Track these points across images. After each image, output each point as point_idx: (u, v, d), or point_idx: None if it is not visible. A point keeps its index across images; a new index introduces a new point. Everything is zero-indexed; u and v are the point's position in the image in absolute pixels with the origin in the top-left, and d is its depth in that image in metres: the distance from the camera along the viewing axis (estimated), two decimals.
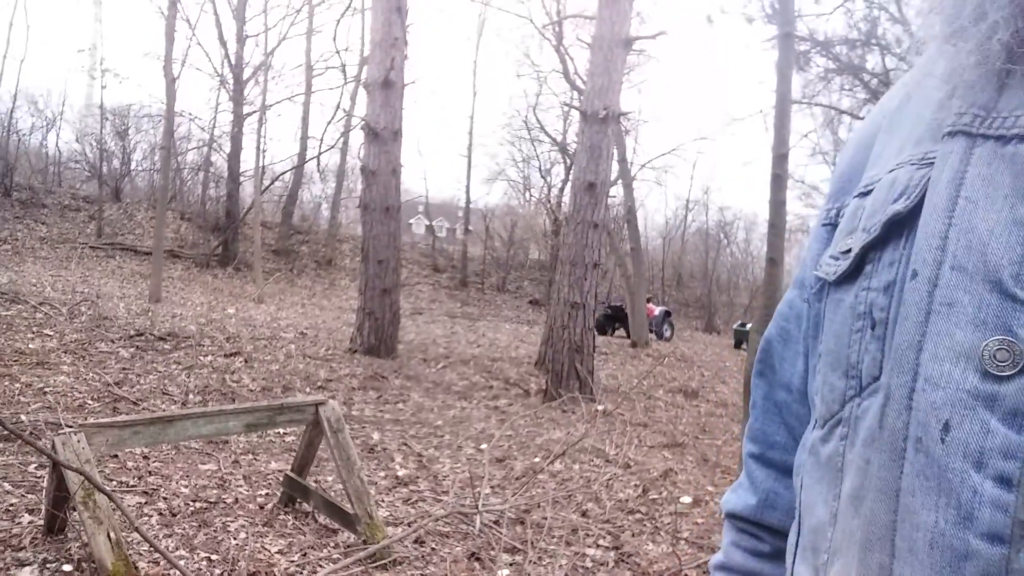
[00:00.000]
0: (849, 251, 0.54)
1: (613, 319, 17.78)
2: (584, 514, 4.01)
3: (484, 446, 5.17)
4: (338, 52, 19.39)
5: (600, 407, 6.82)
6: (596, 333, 8.45)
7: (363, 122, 9.20)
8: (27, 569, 2.76)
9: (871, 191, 0.55)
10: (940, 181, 0.47)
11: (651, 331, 16.33)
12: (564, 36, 16.59)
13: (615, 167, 13.28)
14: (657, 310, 17.71)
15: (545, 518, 3.78)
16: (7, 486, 3.49)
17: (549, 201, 22.97)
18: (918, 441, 0.43)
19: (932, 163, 0.49)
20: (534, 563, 3.30)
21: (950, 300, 0.44)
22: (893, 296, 0.49)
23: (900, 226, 0.50)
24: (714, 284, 28.10)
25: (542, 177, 24.61)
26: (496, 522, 3.67)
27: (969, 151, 0.46)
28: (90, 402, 5.22)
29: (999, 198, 0.43)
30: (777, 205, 5.18)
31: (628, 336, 15.63)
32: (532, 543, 3.48)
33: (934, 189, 0.47)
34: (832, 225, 0.61)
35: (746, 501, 0.72)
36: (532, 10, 21.25)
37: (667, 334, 17.83)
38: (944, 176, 0.46)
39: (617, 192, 16.92)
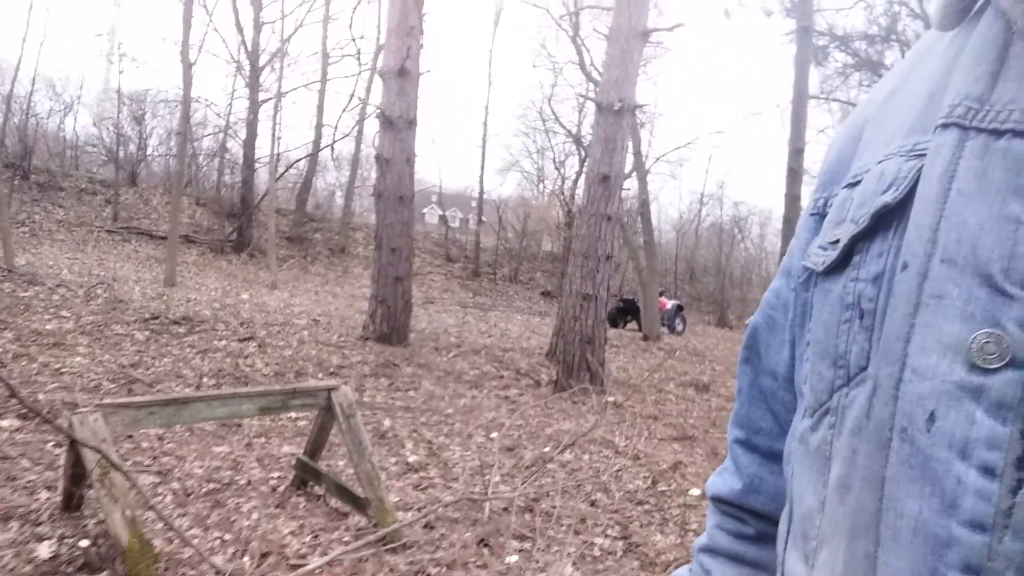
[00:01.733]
0: (837, 242, 0.54)
1: (625, 312, 17.76)
2: (593, 504, 4.03)
3: (494, 435, 5.20)
4: (354, 40, 19.49)
5: (610, 399, 6.83)
6: (608, 326, 8.45)
7: (378, 110, 9.22)
8: (45, 544, 2.81)
9: (860, 182, 0.55)
10: (932, 173, 0.47)
11: (663, 325, 16.30)
12: (581, 27, 16.52)
13: (630, 160, 13.25)
14: (669, 304, 17.67)
15: (554, 507, 3.80)
16: (25, 463, 3.55)
17: (563, 193, 22.93)
18: (903, 431, 0.44)
19: (922, 155, 0.49)
20: (542, 551, 3.33)
21: (939, 292, 0.44)
22: (881, 287, 0.49)
23: (889, 217, 0.50)
24: (727, 279, 27.98)
25: (556, 169, 24.58)
26: (505, 509, 3.69)
27: (961, 144, 0.46)
28: (106, 383, 5.28)
29: (991, 192, 0.43)
30: (792, 200, 5.16)
31: (640, 329, 15.61)
32: (541, 531, 3.50)
33: (926, 181, 0.47)
34: (820, 215, 0.62)
35: (731, 485, 0.73)
36: (549, 1, 21.14)
37: (679, 328, 17.79)
38: (936, 168, 0.46)
39: (631, 185, 16.88)
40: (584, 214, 7.74)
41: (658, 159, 21.64)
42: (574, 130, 22.24)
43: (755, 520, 0.72)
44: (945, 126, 0.47)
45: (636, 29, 7.46)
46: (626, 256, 17.95)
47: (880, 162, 0.53)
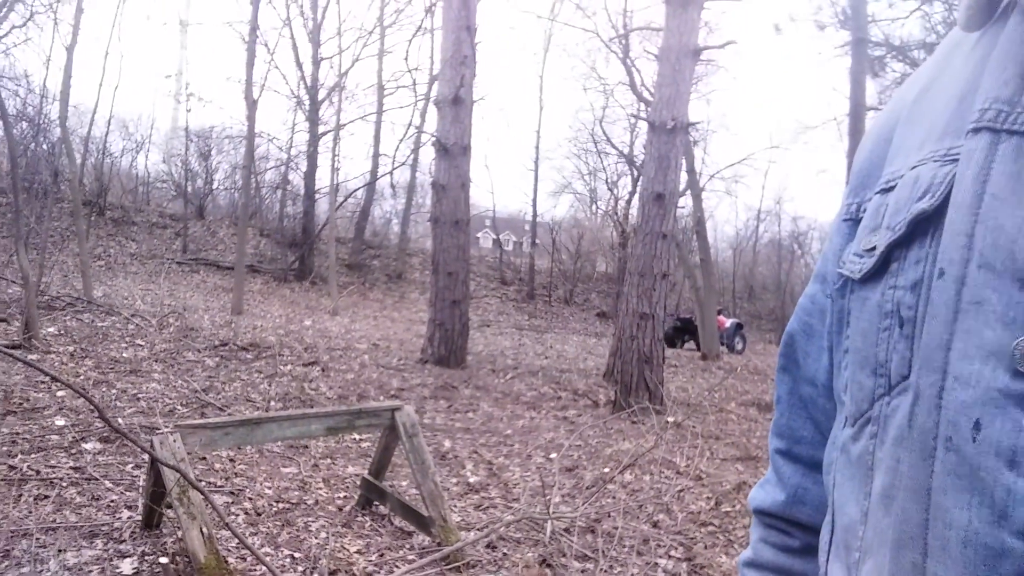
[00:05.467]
0: (874, 249, 0.54)
1: (683, 331, 17.52)
2: (655, 525, 4.00)
3: (553, 455, 5.21)
4: (409, 71, 19.95)
5: (670, 418, 6.75)
6: (666, 345, 8.35)
7: (433, 138, 9.43)
8: (128, 560, 2.95)
9: (893, 187, 0.55)
10: (965, 178, 0.46)
11: (722, 344, 16.01)
12: (631, 48, 16.58)
13: (684, 178, 13.17)
14: (728, 322, 17.36)
15: (616, 527, 3.79)
16: (108, 483, 3.73)
17: (616, 213, 22.88)
18: (948, 440, 0.43)
19: (956, 159, 0.49)
20: (605, 572, 3.31)
21: (978, 298, 0.43)
22: (920, 294, 0.48)
23: (926, 224, 0.50)
24: (788, 296, 27.32)
25: (609, 189, 24.55)
26: (567, 530, 3.70)
27: (994, 147, 0.45)
28: (179, 407, 5.51)
29: None
30: None
31: (698, 348, 15.38)
32: (603, 552, 3.49)
33: (959, 186, 0.47)
34: (853, 220, 0.61)
35: (774, 497, 0.72)
36: (598, 24, 21.30)
37: (739, 347, 17.44)
38: (969, 173, 0.46)
39: (686, 203, 16.75)
40: (639, 233, 7.73)
41: (712, 176, 21.47)
42: (626, 150, 22.25)
43: (800, 532, 0.71)
44: (976, 130, 0.47)
45: (687, 48, 7.47)
46: (683, 275, 17.76)
47: (914, 167, 0.53)
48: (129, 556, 2.98)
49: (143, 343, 7.84)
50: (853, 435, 0.54)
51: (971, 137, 0.47)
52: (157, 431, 3.07)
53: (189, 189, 20.21)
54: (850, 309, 0.57)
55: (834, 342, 0.62)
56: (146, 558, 2.98)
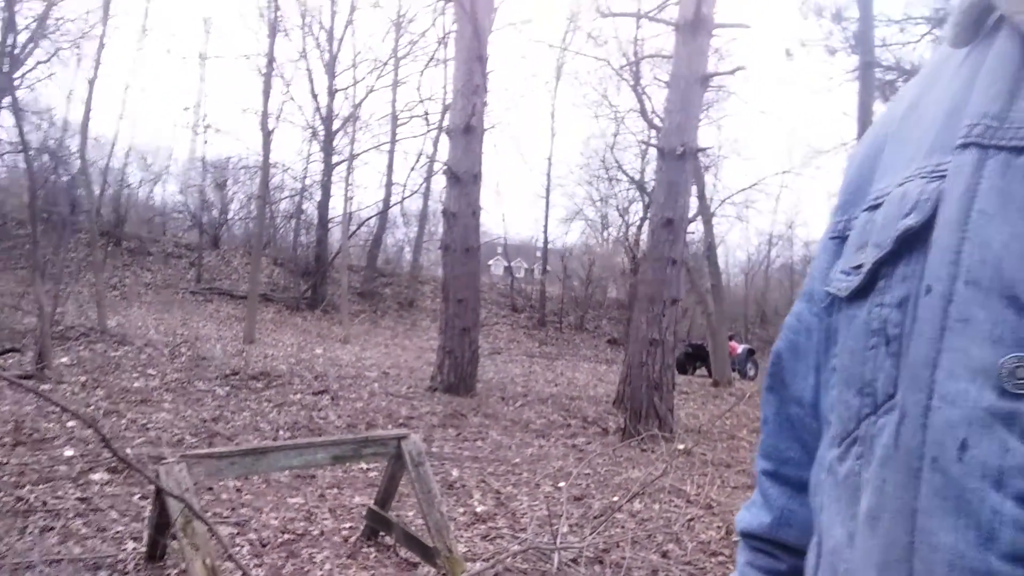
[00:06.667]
0: (861, 266, 0.53)
1: (694, 358, 17.39)
2: (664, 555, 3.93)
3: (562, 484, 5.15)
4: (421, 101, 20.16)
5: (680, 446, 6.68)
6: (676, 371, 8.28)
7: (445, 167, 9.51)
8: None
9: (881, 204, 0.54)
10: (953, 194, 0.46)
11: (734, 370, 15.87)
12: (641, 76, 16.71)
13: (694, 203, 13.17)
14: (740, 348, 17.23)
15: (624, 557, 3.73)
16: (114, 514, 3.73)
17: (627, 239, 22.88)
18: (934, 460, 0.43)
19: (943, 176, 0.48)
20: None
21: (965, 316, 0.43)
22: (907, 312, 0.48)
23: (913, 241, 0.49)
24: None
25: (620, 216, 24.57)
26: (574, 560, 3.64)
27: (982, 163, 0.45)
28: (188, 437, 5.52)
29: (1013, 211, 0.42)
30: None
31: (710, 375, 15.25)
32: None
33: (947, 202, 0.46)
34: (841, 238, 0.60)
35: (760, 519, 0.71)
36: (609, 52, 21.47)
37: (751, 372, 17.29)
38: (957, 189, 0.46)
39: (697, 228, 16.72)
40: (649, 259, 7.73)
41: (724, 201, 21.43)
42: (637, 176, 22.31)
43: (787, 555, 0.69)
44: (964, 146, 0.46)
45: (696, 75, 7.52)
46: (694, 301, 17.68)
47: (901, 184, 0.52)
48: None
49: (154, 373, 7.88)
50: (839, 456, 0.53)
51: (959, 153, 0.47)
52: (163, 461, 3.07)
53: (204, 219, 20.45)
54: (837, 327, 0.56)
55: (821, 361, 0.61)
56: None
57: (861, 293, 0.53)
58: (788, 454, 0.69)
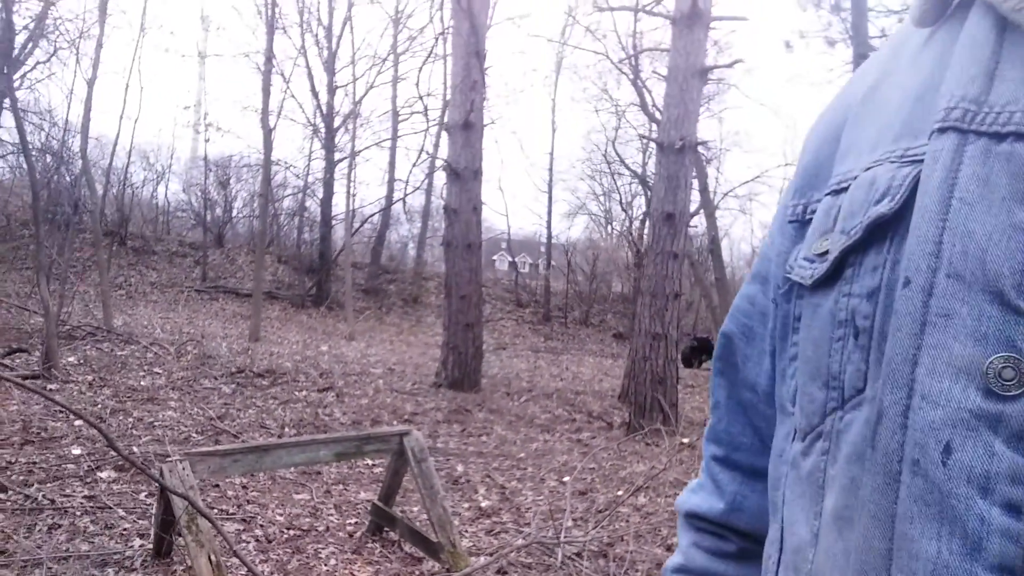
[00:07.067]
0: (826, 253, 0.51)
1: (699, 351, 17.36)
2: (669, 548, 3.95)
3: (567, 478, 5.17)
4: (420, 98, 20.14)
5: (684, 440, 6.69)
6: (681, 365, 8.29)
7: (445, 163, 9.52)
8: None
9: (846, 188, 0.52)
10: (931, 181, 0.44)
11: None
12: (641, 69, 16.67)
13: (696, 197, 13.14)
14: None
15: (628, 551, 3.75)
16: (121, 512, 3.76)
17: (631, 234, 22.86)
18: (915, 464, 0.41)
19: (916, 161, 0.46)
20: None
21: (947, 311, 0.41)
22: (878, 303, 0.46)
23: (884, 228, 0.47)
24: None
25: (623, 210, 24.55)
26: (578, 554, 3.66)
27: (961, 149, 0.43)
28: (194, 435, 5.55)
29: (996, 200, 0.40)
30: None
31: None
32: None
33: (925, 190, 0.44)
34: (800, 222, 0.58)
35: (711, 504, 0.69)
36: (608, 46, 21.44)
37: None
38: (936, 176, 0.43)
39: (700, 222, 16.70)
40: (650, 253, 7.73)
41: (726, 195, 21.38)
42: (639, 170, 22.28)
43: (736, 537, 0.68)
44: (942, 130, 0.44)
45: (693, 68, 7.51)
46: (699, 294, 17.67)
47: (869, 168, 0.50)
48: None
49: (161, 371, 7.92)
50: (803, 450, 0.51)
51: (937, 138, 0.44)
52: (167, 459, 3.10)
53: (208, 218, 20.50)
54: (798, 315, 0.54)
55: (777, 348, 0.59)
56: None
57: (827, 281, 0.50)
58: (740, 439, 0.67)
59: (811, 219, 0.56)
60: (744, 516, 0.67)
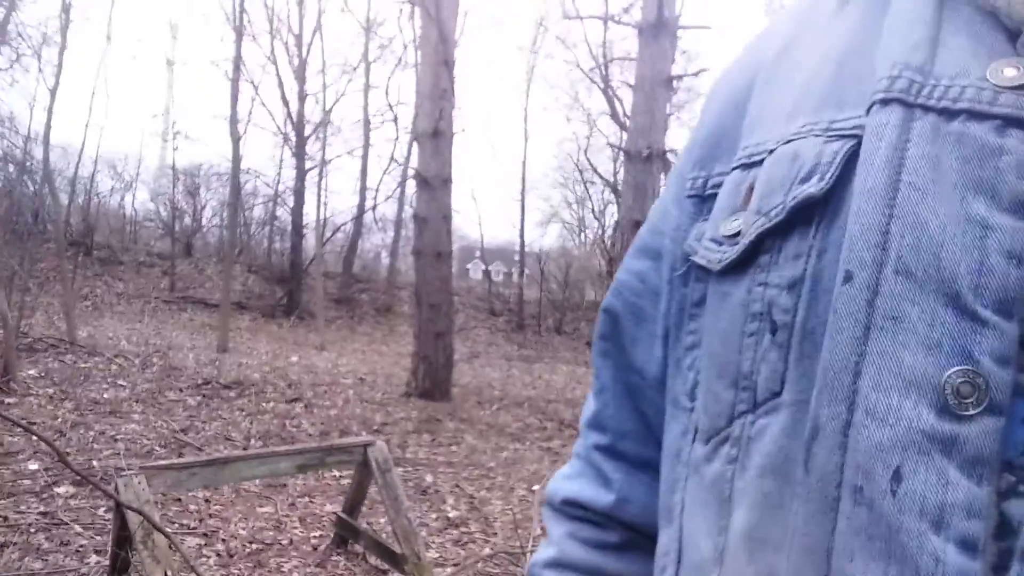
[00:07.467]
0: (738, 235, 0.45)
1: None
2: None
3: (536, 487, 5.16)
4: (391, 106, 20.12)
5: None
6: None
7: (415, 171, 9.50)
8: None
9: (759, 162, 0.46)
10: (875, 160, 0.38)
11: None
12: (611, 79, 16.83)
13: None
14: None
15: None
16: (78, 528, 3.68)
17: (603, 242, 23.00)
18: (858, 491, 0.35)
19: (844, 136, 0.41)
20: None
21: (895, 313, 0.35)
22: (800, 296, 0.40)
23: (810, 211, 0.41)
24: None
25: (595, 218, 24.72)
26: None
27: (907, 125, 0.38)
28: (157, 448, 5.44)
29: (947, 186, 0.35)
30: None
31: None
32: None
33: (867, 170, 0.38)
34: (700, 197, 0.52)
35: (596, 494, 0.61)
36: (579, 55, 21.65)
37: None
38: (881, 154, 0.38)
39: None
40: (620, 260, 7.78)
41: None
42: (611, 179, 22.45)
43: (621, 528, 0.60)
44: (886, 102, 0.39)
45: (660, 76, 7.59)
46: None
47: (788, 142, 0.44)
48: None
49: (125, 383, 7.77)
50: (706, 455, 0.46)
51: (879, 110, 0.39)
52: (122, 473, 3.03)
53: (176, 227, 20.22)
54: (696, 300, 0.49)
55: (672, 335, 0.53)
56: None
57: (738, 267, 0.45)
58: (627, 427, 0.60)
59: (713, 194, 0.50)
60: (632, 508, 0.60)
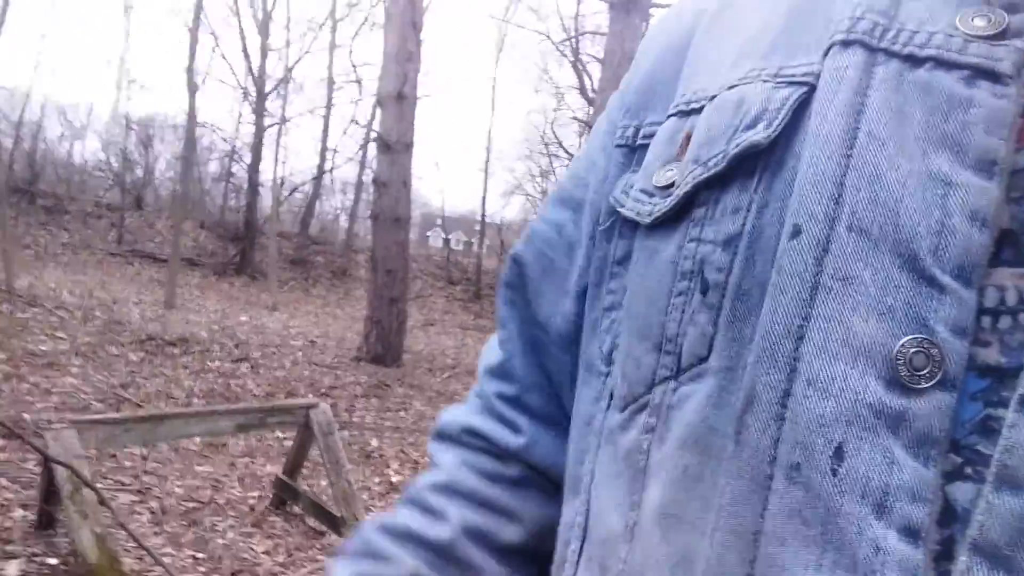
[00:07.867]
0: (671, 187, 0.42)
1: None
2: None
3: None
4: (354, 67, 19.69)
5: None
6: None
7: (376, 134, 9.33)
8: (14, 562, 2.81)
9: (698, 110, 0.42)
10: (832, 105, 0.35)
11: None
12: (581, 52, 16.74)
13: None
14: None
15: None
16: (3, 481, 3.56)
17: None
18: (794, 468, 0.32)
19: (795, 83, 0.37)
20: None
21: (845, 274, 0.32)
22: (737, 253, 0.37)
23: (752, 161, 0.38)
24: None
25: None
26: None
27: (869, 69, 0.34)
28: (95, 403, 5.30)
29: (909, 139, 0.32)
30: None
31: None
32: None
33: (823, 115, 0.35)
34: (628, 147, 0.48)
35: (504, 437, 0.55)
36: (550, 27, 21.47)
37: None
38: (839, 99, 0.34)
39: None
40: None
41: None
42: (577, 153, 22.46)
43: (522, 466, 0.55)
44: (847, 43, 0.35)
45: (629, 53, 7.54)
46: None
47: (733, 87, 0.41)
48: (16, 558, 2.84)
49: (64, 336, 7.53)
50: (621, 423, 0.42)
51: (839, 52, 0.35)
52: (52, 426, 2.94)
53: (127, 179, 19.59)
54: (618, 257, 0.46)
55: (590, 293, 0.49)
56: (35, 559, 2.85)
57: (670, 221, 0.41)
58: (532, 380, 0.56)
59: (645, 144, 0.47)
60: (540, 451, 0.55)
